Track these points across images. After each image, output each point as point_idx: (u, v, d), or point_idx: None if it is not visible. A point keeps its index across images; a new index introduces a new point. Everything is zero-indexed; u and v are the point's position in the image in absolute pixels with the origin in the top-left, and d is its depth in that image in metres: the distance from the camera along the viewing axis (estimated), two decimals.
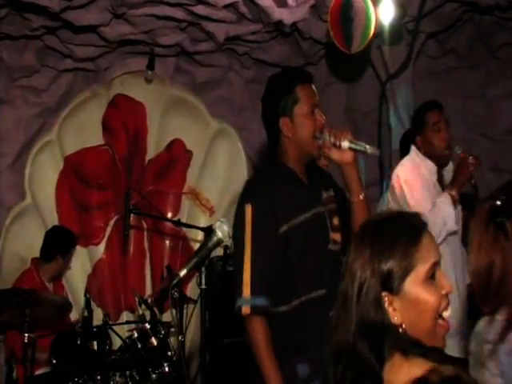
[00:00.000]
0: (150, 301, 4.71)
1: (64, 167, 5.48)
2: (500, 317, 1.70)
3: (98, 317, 4.44)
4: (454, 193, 3.42)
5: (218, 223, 2.42)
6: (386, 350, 1.44)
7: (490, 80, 6.00)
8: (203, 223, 5.24)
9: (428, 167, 3.62)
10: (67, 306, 4.26)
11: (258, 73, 5.79)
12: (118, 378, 3.84)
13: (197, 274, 2.50)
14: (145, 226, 5.60)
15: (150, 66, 5.28)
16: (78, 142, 5.50)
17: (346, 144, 2.54)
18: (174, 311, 4.46)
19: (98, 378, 3.69)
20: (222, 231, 2.39)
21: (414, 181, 3.56)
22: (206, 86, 5.75)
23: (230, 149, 5.77)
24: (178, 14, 4.80)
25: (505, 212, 1.70)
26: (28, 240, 5.12)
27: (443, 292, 1.50)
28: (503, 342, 1.65)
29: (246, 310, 2.45)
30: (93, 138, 5.53)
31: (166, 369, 3.94)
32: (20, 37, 4.95)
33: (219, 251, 4.41)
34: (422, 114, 3.67)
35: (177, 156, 5.67)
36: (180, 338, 3.42)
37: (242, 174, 5.74)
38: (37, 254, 4.78)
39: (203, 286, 2.46)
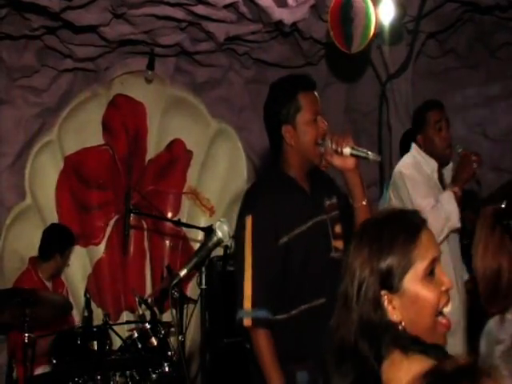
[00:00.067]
0: (150, 301, 4.71)
1: (64, 167, 5.48)
2: (510, 316, 1.71)
3: (98, 317, 4.44)
4: (456, 190, 3.42)
5: (218, 223, 2.42)
6: (384, 349, 1.44)
7: (490, 80, 6.01)
8: (203, 223, 5.24)
9: (430, 165, 3.62)
10: (67, 306, 4.26)
11: (258, 73, 5.79)
12: (118, 378, 3.85)
13: (197, 274, 2.51)
14: (145, 225, 5.60)
15: (150, 66, 5.28)
16: (78, 142, 5.50)
17: (347, 150, 2.54)
18: (174, 311, 4.46)
19: (98, 377, 3.69)
20: (222, 231, 2.39)
21: (416, 177, 3.56)
22: (206, 86, 5.75)
23: (229, 149, 5.77)
24: (178, 13, 4.80)
25: (510, 215, 1.70)
26: (28, 240, 5.12)
27: (443, 288, 1.49)
28: None
29: (247, 322, 2.48)
30: (93, 137, 5.53)
31: (166, 369, 3.94)
32: (20, 37, 4.95)
33: (219, 251, 4.41)
34: (423, 112, 3.67)
35: (177, 156, 5.67)
36: (180, 337, 3.44)
37: (241, 174, 5.74)
38: (37, 253, 4.78)
39: (203, 286, 2.46)
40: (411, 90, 5.48)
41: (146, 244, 5.62)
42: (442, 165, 3.67)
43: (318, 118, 2.60)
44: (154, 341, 4.13)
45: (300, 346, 2.54)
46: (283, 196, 2.57)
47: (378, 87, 5.69)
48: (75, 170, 5.48)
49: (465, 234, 3.64)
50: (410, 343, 1.45)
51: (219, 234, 2.39)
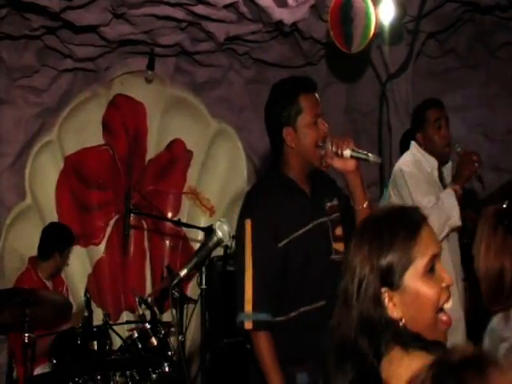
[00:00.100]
0: (149, 300, 4.72)
1: (64, 167, 5.48)
2: None
3: (98, 317, 4.44)
4: (457, 188, 3.42)
5: (219, 223, 2.42)
6: (384, 346, 1.44)
7: (490, 80, 6.01)
8: (203, 223, 5.24)
9: (430, 163, 3.62)
10: (67, 306, 4.25)
11: (258, 73, 5.79)
12: (118, 378, 3.85)
13: (197, 274, 2.52)
14: (145, 225, 5.60)
15: (150, 66, 5.28)
16: (78, 142, 5.50)
17: (347, 152, 2.54)
18: (174, 311, 4.46)
19: (98, 377, 3.69)
20: (223, 231, 2.40)
21: (417, 175, 3.56)
22: (206, 86, 5.75)
23: (229, 149, 5.77)
24: (178, 13, 4.80)
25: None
26: (28, 240, 5.11)
27: (443, 285, 1.49)
28: None
29: (248, 325, 2.48)
30: (93, 137, 5.53)
31: (166, 369, 3.94)
32: (20, 37, 4.95)
33: (219, 251, 4.41)
34: (422, 110, 3.67)
35: (177, 156, 5.67)
36: (180, 337, 3.44)
37: (241, 174, 5.74)
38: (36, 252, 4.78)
39: (203, 286, 2.47)
40: (411, 89, 5.48)
41: (146, 244, 5.62)
42: (441, 163, 3.67)
43: (318, 121, 2.60)
44: (154, 341, 4.13)
45: (300, 347, 2.54)
46: (283, 198, 2.58)
47: (378, 87, 5.69)
48: (75, 169, 5.48)
49: (465, 233, 3.65)
50: (411, 340, 1.45)
51: (219, 233, 2.39)
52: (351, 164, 2.56)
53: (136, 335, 4.17)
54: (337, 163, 2.56)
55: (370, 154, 2.55)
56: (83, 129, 5.50)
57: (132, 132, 5.60)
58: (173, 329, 4.41)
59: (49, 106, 5.40)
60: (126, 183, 5.54)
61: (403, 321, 1.46)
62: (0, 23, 4.71)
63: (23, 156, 5.33)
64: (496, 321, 1.75)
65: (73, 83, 5.48)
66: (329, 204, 2.67)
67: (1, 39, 4.97)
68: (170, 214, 5.59)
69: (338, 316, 1.50)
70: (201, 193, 5.69)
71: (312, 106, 2.60)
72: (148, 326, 4.20)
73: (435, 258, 1.49)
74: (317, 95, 2.64)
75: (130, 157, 5.59)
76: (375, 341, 1.44)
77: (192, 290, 5.03)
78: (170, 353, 4.06)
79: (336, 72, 5.93)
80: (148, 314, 4.44)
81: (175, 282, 2.34)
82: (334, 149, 2.54)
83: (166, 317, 4.90)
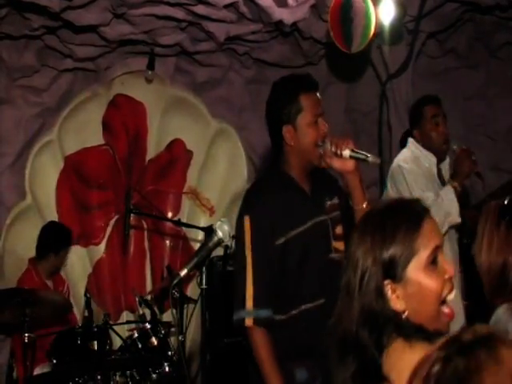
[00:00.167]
0: (149, 298, 4.71)
1: (64, 167, 5.48)
2: None
3: (98, 317, 4.44)
4: (456, 185, 3.41)
5: (219, 223, 2.42)
6: (386, 338, 1.44)
7: (490, 80, 6.01)
8: (203, 223, 5.24)
9: (428, 159, 3.61)
10: (67, 306, 4.25)
11: (258, 73, 5.79)
12: (118, 378, 3.85)
13: (197, 274, 2.52)
14: (145, 225, 5.60)
15: (150, 66, 5.28)
16: (78, 142, 5.50)
17: (347, 153, 2.53)
18: (174, 311, 4.45)
19: (99, 377, 3.69)
20: (223, 231, 2.40)
21: (416, 171, 3.55)
22: (206, 86, 5.75)
23: (230, 149, 5.78)
24: (178, 13, 4.80)
25: None
26: (28, 240, 5.11)
27: (446, 276, 1.49)
28: None
29: (248, 322, 2.49)
30: (93, 137, 5.53)
31: (167, 369, 3.94)
32: (20, 37, 4.95)
33: (219, 251, 4.41)
34: (420, 107, 3.66)
35: (177, 156, 5.67)
36: (180, 337, 3.44)
37: (242, 173, 5.74)
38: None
39: (204, 286, 2.47)
40: (411, 89, 5.48)
41: (146, 244, 5.62)
42: (439, 160, 3.66)
43: (318, 120, 2.59)
44: (154, 341, 4.13)
45: (299, 344, 2.54)
46: (282, 197, 2.58)
47: (378, 87, 5.69)
48: (75, 169, 5.48)
49: (465, 233, 3.64)
50: (414, 332, 1.44)
51: (219, 233, 2.39)
52: (350, 164, 2.56)
53: (136, 335, 4.18)
54: (336, 163, 2.56)
55: (369, 155, 2.55)
56: (83, 129, 5.50)
57: (132, 132, 5.60)
58: (173, 329, 4.41)
59: (49, 105, 5.40)
60: (126, 183, 5.55)
61: (406, 313, 1.46)
62: (0, 23, 4.71)
63: (23, 156, 5.34)
64: (501, 311, 1.76)
65: (73, 83, 5.48)
66: (329, 202, 2.67)
67: (1, 39, 4.97)
68: (170, 214, 5.59)
69: (340, 309, 1.50)
70: (201, 193, 5.69)
71: (313, 106, 2.59)
72: (148, 325, 4.20)
73: (438, 249, 1.49)
74: (318, 94, 2.64)
75: (130, 157, 5.59)
76: (377, 333, 1.44)
77: (192, 289, 5.03)
78: (170, 353, 4.06)
79: (336, 72, 5.93)
80: (148, 313, 4.44)
81: (175, 281, 2.34)
82: (333, 149, 2.54)
83: (166, 317, 4.90)
